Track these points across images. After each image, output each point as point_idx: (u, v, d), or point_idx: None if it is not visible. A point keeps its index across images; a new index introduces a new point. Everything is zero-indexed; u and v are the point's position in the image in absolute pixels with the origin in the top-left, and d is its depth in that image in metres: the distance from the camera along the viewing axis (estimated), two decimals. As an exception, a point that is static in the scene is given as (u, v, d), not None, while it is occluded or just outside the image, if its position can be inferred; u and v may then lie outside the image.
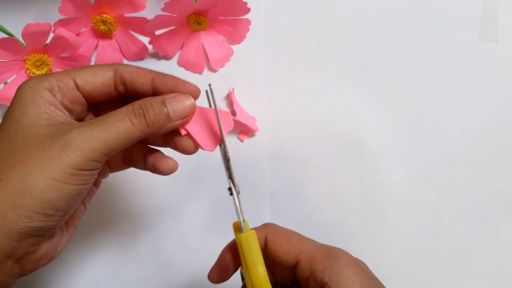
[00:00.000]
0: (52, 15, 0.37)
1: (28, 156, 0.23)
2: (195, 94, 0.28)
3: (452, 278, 0.42)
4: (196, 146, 0.28)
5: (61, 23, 0.37)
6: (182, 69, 0.41)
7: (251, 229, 0.28)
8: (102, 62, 0.40)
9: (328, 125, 0.42)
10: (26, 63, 0.37)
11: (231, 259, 0.29)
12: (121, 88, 0.27)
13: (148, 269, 0.41)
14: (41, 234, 0.24)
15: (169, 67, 0.41)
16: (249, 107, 0.41)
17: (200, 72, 0.41)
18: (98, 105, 0.29)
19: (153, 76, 0.27)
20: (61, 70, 0.39)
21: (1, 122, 0.25)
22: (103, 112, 0.27)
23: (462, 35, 0.42)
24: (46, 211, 0.23)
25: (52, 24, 0.36)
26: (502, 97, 0.42)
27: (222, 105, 0.41)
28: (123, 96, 0.28)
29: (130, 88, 0.27)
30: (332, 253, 0.26)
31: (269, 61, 0.41)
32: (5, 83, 0.38)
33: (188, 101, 0.27)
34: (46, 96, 0.25)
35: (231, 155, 0.41)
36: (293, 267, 0.27)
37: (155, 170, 0.29)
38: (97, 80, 0.27)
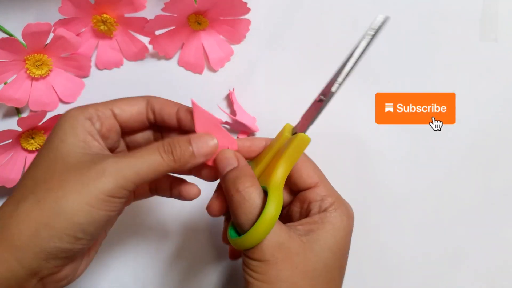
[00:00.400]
0: (52, 15, 0.37)
1: (66, 181, 0.25)
2: None
3: (451, 278, 0.42)
4: (216, 176, 0.30)
5: (61, 23, 0.37)
6: (182, 69, 0.41)
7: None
8: (102, 62, 0.40)
9: (328, 125, 0.41)
10: (26, 63, 0.37)
11: None
12: (151, 116, 0.30)
13: (150, 269, 0.41)
14: (67, 256, 0.25)
15: (169, 67, 0.41)
16: (249, 107, 0.41)
17: (200, 72, 0.41)
18: (128, 140, 0.32)
19: (178, 107, 0.30)
20: (62, 70, 0.39)
21: (43, 146, 0.27)
22: (133, 145, 0.32)
23: (463, 34, 0.42)
24: (77, 234, 0.24)
25: (52, 24, 0.36)
26: (503, 97, 0.42)
27: (222, 105, 0.41)
28: (153, 126, 0.31)
29: (158, 117, 0.30)
30: (347, 207, 0.31)
31: (269, 61, 0.41)
32: (5, 83, 0.38)
33: (212, 141, 0.29)
34: (86, 125, 0.27)
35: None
36: (299, 189, 0.31)
37: (180, 196, 0.31)
38: (133, 109, 0.29)
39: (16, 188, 0.26)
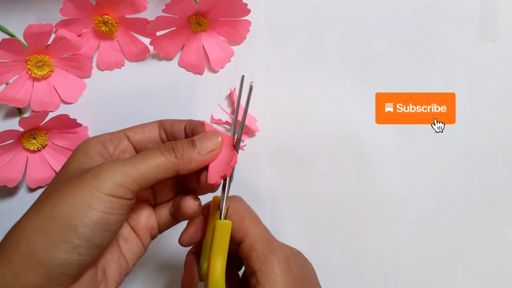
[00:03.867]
0: (54, 16, 0.37)
1: (64, 187, 0.25)
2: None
3: (450, 277, 0.42)
4: (216, 186, 0.29)
5: (63, 24, 0.37)
6: (182, 69, 0.41)
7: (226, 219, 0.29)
8: (103, 63, 0.40)
9: (327, 125, 0.42)
10: (28, 64, 0.38)
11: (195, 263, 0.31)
12: (164, 136, 0.31)
13: (149, 269, 0.41)
14: (67, 271, 0.23)
15: (170, 68, 0.41)
16: (249, 107, 0.41)
17: (201, 73, 0.41)
18: None
19: (186, 122, 0.31)
20: (63, 70, 0.40)
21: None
22: None
23: (461, 35, 0.42)
24: (71, 238, 0.23)
25: (53, 25, 0.36)
26: (501, 97, 0.42)
27: (223, 105, 0.41)
28: None
29: (169, 134, 0.31)
30: (271, 246, 0.28)
31: (269, 61, 0.42)
32: (7, 84, 0.38)
33: (216, 138, 0.29)
34: (97, 147, 0.28)
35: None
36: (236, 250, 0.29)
37: (178, 212, 0.29)
38: (145, 131, 0.31)
39: None
